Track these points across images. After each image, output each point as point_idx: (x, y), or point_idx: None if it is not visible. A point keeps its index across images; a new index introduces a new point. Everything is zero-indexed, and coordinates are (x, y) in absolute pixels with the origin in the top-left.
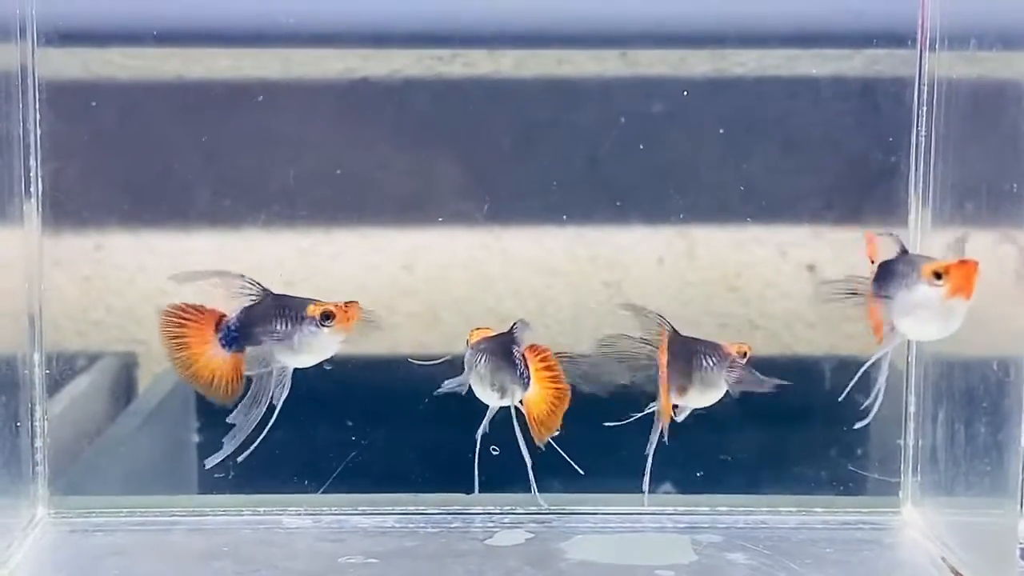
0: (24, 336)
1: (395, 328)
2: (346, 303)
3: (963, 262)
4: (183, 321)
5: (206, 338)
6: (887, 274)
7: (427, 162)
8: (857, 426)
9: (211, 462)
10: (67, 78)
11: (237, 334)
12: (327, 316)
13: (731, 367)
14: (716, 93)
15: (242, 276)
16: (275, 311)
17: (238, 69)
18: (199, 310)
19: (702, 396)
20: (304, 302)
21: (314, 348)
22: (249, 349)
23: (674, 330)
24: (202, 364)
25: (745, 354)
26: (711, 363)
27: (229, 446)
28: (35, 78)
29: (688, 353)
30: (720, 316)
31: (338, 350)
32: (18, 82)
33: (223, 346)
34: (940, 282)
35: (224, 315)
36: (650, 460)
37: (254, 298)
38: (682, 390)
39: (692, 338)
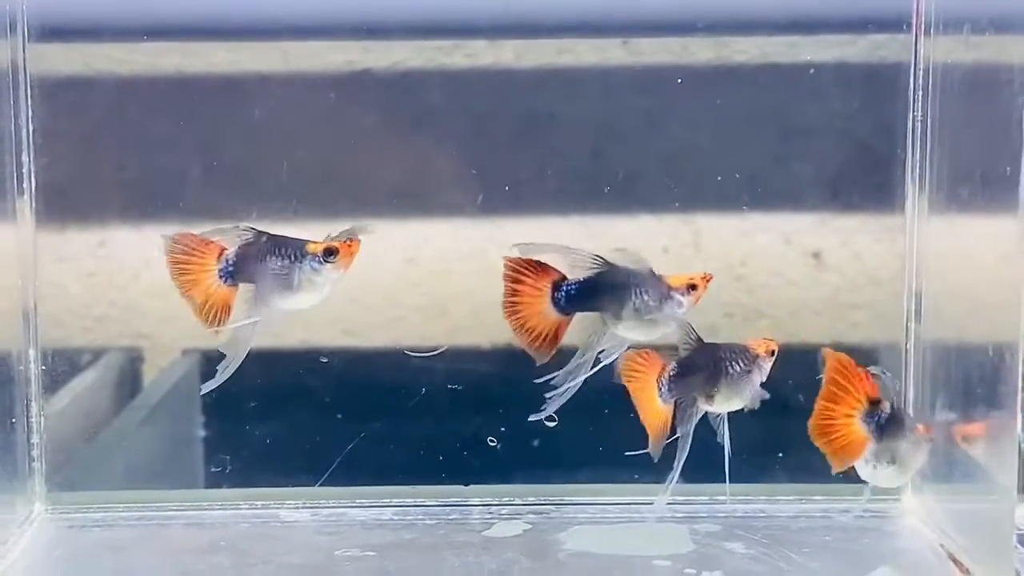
0: (19, 332)
1: (400, 320)
2: (348, 239)
3: None
4: (188, 249)
5: (208, 268)
6: None
7: (429, 154)
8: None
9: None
10: (66, 73)
11: (233, 268)
12: (330, 252)
13: (759, 367)
14: (719, 81)
15: (238, 226)
16: (274, 249)
17: (237, 63)
18: (205, 242)
19: (729, 401)
20: (302, 241)
21: (314, 286)
22: (243, 289)
23: (698, 337)
24: (199, 290)
25: (773, 352)
26: (737, 367)
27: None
28: (27, 73)
29: (713, 359)
30: (725, 305)
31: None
32: (9, 78)
33: (221, 278)
34: None
35: (226, 249)
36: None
37: (252, 238)
38: (709, 397)
39: (715, 344)
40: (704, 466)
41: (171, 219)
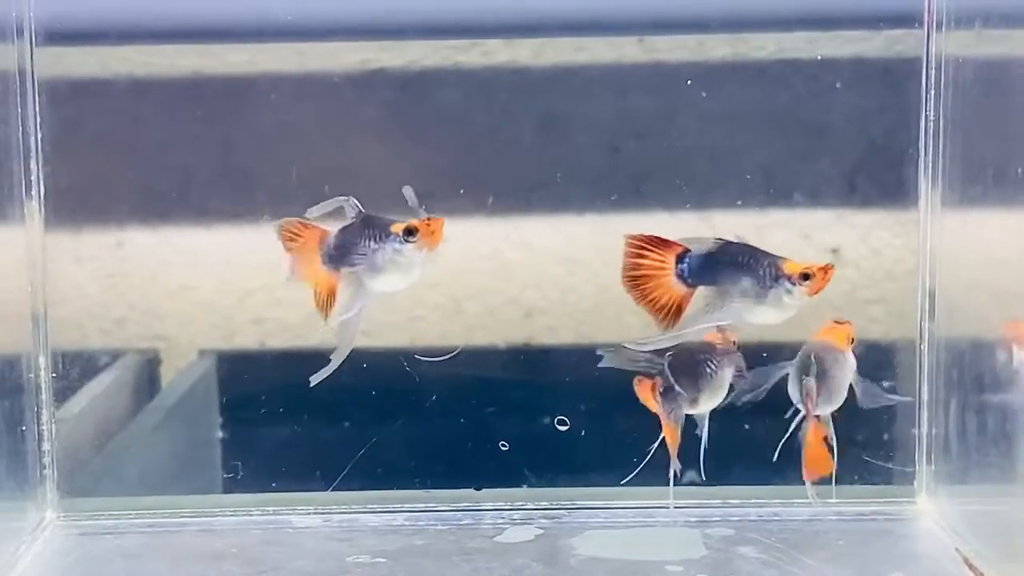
0: (28, 339)
1: (419, 320)
2: (429, 218)
3: None
4: (293, 235)
5: (311, 253)
6: None
7: (446, 152)
8: None
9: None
10: (84, 75)
11: (335, 252)
12: (410, 232)
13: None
14: (735, 77)
15: (348, 199)
16: (364, 230)
17: (254, 64)
18: (305, 226)
19: (711, 401)
20: (391, 221)
21: (398, 266)
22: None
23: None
24: (306, 276)
25: (734, 342)
26: (711, 366)
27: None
28: (34, 78)
29: (691, 363)
30: None
31: (420, 274)
32: (17, 81)
33: (325, 263)
34: None
35: (327, 232)
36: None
37: (352, 218)
38: (693, 402)
39: (687, 348)
40: (719, 470)
41: (189, 221)
